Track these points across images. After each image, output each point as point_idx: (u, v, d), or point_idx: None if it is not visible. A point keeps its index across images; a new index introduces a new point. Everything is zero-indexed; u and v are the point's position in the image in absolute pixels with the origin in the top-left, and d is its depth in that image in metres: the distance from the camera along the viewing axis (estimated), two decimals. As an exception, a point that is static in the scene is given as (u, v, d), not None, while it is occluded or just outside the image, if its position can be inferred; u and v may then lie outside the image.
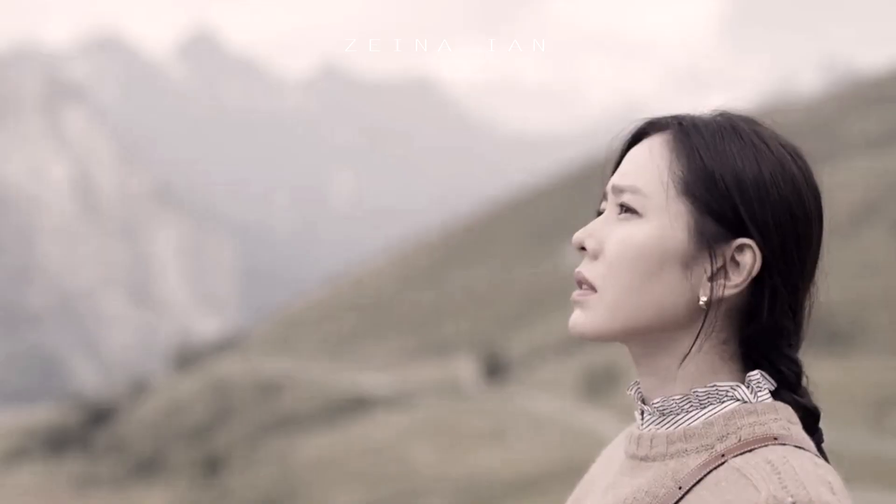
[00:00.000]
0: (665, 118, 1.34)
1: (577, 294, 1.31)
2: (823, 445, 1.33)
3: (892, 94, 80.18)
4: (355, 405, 56.09)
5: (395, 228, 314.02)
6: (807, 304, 1.31)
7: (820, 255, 1.31)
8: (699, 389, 1.28)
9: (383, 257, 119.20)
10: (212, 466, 53.17)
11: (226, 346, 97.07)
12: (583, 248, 1.32)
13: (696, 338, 1.28)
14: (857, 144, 71.10)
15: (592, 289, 1.30)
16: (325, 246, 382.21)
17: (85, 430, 69.13)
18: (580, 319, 1.30)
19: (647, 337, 1.29)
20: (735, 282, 1.26)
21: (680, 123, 1.32)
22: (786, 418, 1.28)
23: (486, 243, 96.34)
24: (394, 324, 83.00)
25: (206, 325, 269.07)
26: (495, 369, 55.93)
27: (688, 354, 1.29)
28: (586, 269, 1.31)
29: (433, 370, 61.66)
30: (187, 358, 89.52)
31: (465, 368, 59.86)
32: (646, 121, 1.35)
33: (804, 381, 1.32)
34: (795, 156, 1.30)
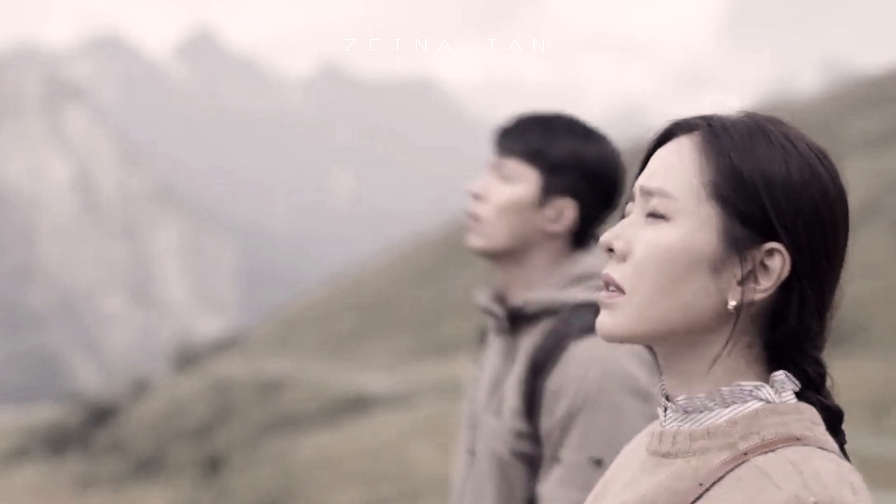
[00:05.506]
0: (693, 119, 1.33)
1: (604, 295, 1.30)
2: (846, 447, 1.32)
3: (892, 94, 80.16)
4: (355, 405, 56.09)
5: (395, 228, 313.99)
6: (832, 305, 1.31)
7: (845, 256, 1.31)
8: (723, 388, 1.28)
9: (383, 257, 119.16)
10: (212, 466, 53.22)
11: (226, 346, 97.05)
12: (610, 250, 1.31)
13: (727, 342, 1.28)
14: (857, 144, 71.02)
15: (620, 290, 1.29)
16: (325, 246, 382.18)
17: (85, 430, 69.10)
18: (608, 321, 1.30)
19: (673, 340, 1.29)
20: (764, 286, 1.26)
21: (709, 125, 1.30)
22: (809, 419, 1.27)
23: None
24: (394, 324, 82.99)
25: (206, 325, 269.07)
26: (495, 369, 55.90)
27: (717, 358, 1.28)
28: (614, 270, 1.30)
29: (433, 370, 61.62)
30: (187, 358, 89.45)
31: (465, 368, 59.80)
32: (673, 122, 1.34)
33: (828, 383, 1.32)
34: (822, 157, 1.30)
